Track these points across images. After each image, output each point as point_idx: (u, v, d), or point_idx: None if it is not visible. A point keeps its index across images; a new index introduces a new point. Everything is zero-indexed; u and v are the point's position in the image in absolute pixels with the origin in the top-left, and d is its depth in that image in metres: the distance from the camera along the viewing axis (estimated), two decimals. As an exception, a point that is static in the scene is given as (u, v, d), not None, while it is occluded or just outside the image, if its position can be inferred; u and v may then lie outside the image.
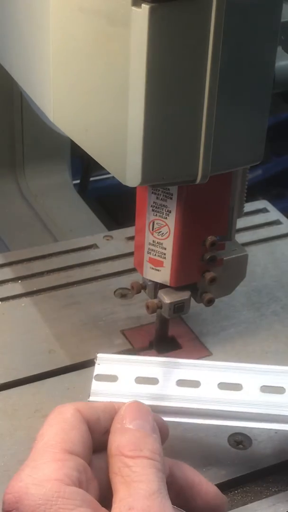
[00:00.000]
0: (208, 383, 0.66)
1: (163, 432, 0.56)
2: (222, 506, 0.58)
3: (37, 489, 0.49)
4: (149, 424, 0.54)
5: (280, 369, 0.68)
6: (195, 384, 0.67)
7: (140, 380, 0.66)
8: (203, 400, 0.65)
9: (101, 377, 0.67)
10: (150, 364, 0.68)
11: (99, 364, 0.67)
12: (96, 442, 0.54)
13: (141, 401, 0.57)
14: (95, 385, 0.66)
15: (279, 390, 0.66)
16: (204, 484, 0.57)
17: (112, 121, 0.60)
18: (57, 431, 0.52)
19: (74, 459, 0.51)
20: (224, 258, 0.73)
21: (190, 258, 0.71)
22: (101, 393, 0.65)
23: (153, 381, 0.67)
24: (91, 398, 0.65)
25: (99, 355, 0.68)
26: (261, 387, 0.66)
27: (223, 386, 0.67)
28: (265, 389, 0.66)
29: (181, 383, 0.66)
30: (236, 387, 0.66)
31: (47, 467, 0.50)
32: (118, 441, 0.52)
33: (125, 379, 0.66)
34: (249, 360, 0.78)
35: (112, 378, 0.66)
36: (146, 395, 0.65)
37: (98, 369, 0.67)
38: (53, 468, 0.50)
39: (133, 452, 0.51)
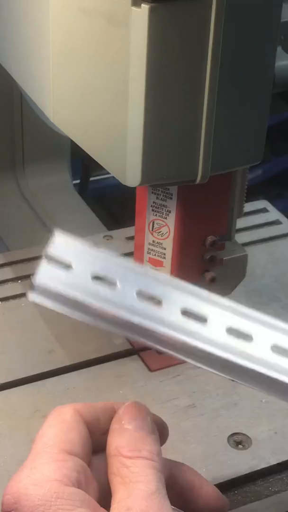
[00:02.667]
0: (171, 304, 0.52)
1: (162, 432, 0.56)
2: (223, 507, 0.58)
3: (36, 489, 0.49)
4: (148, 425, 0.54)
5: None
6: (156, 302, 0.52)
7: (98, 278, 0.53)
8: (166, 322, 0.51)
9: (53, 260, 0.54)
10: (117, 263, 0.53)
11: (53, 243, 0.55)
12: (96, 443, 0.54)
13: (93, 303, 0.50)
14: (44, 269, 0.53)
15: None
16: (205, 485, 0.57)
17: (112, 121, 0.60)
18: (56, 432, 0.52)
19: (73, 459, 0.51)
20: (224, 258, 0.73)
21: (190, 258, 0.71)
22: (48, 279, 0.53)
23: (112, 284, 0.52)
24: (37, 281, 0.53)
25: (56, 234, 0.55)
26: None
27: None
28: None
29: (141, 294, 0.52)
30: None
31: (46, 467, 0.50)
32: (117, 442, 0.52)
33: (80, 272, 0.53)
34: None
35: (65, 265, 0.54)
36: (100, 297, 0.52)
37: (53, 249, 0.54)
38: (52, 468, 0.50)
39: (131, 452, 0.51)
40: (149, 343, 0.51)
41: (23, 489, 0.49)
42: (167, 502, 0.50)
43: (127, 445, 0.52)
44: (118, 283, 0.52)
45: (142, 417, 0.54)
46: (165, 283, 0.53)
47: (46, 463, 0.50)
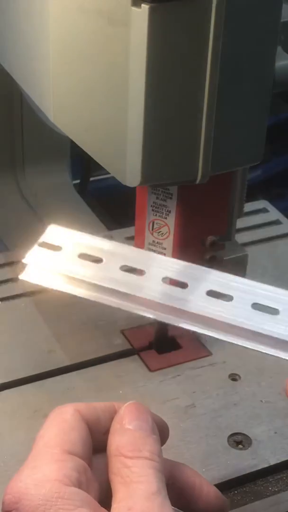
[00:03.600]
0: (154, 276, 0.56)
1: (163, 433, 0.56)
2: (224, 508, 0.58)
3: (37, 489, 0.49)
4: (149, 425, 0.54)
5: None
6: (139, 272, 0.56)
7: (85, 257, 0.57)
8: (147, 289, 0.55)
9: (44, 245, 0.59)
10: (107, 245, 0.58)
11: (46, 233, 0.59)
12: (96, 443, 0.54)
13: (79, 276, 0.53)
14: (35, 251, 0.57)
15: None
16: (205, 486, 0.57)
17: (112, 121, 0.60)
18: (57, 432, 0.52)
19: (74, 459, 0.51)
20: (224, 258, 0.73)
21: (190, 258, 0.71)
22: (38, 259, 0.57)
23: (98, 261, 0.57)
24: (25, 260, 0.57)
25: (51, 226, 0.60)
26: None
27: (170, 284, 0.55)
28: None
29: (126, 268, 0.56)
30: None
31: (47, 467, 0.50)
32: (118, 442, 0.52)
33: (69, 252, 0.57)
34: (249, 360, 0.78)
35: (55, 248, 0.58)
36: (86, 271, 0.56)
37: (45, 236, 0.59)
38: (53, 468, 0.50)
39: (132, 452, 0.51)
40: (126, 304, 0.55)
41: (24, 489, 0.49)
42: (168, 503, 0.50)
43: (128, 445, 0.52)
44: (104, 260, 0.56)
45: (143, 417, 0.54)
46: (148, 257, 0.57)
47: (47, 463, 0.50)
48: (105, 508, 0.50)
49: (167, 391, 0.74)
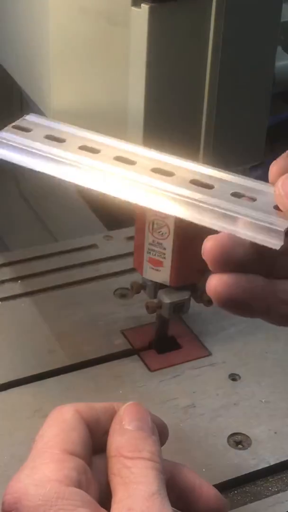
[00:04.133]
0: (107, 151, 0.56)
1: (162, 434, 0.56)
2: (223, 509, 0.58)
3: (37, 489, 0.49)
4: (148, 426, 0.54)
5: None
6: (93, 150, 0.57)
7: (50, 138, 0.58)
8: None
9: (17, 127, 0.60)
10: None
11: (22, 118, 0.60)
12: (96, 443, 0.54)
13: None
14: (6, 130, 0.59)
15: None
16: (205, 487, 0.57)
17: (112, 121, 0.60)
18: (56, 432, 0.52)
19: (74, 460, 0.51)
20: (224, 258, 0.73)
21: (190, 258, 0.71)
22: (8, 136, 0.58)
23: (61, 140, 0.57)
24: None
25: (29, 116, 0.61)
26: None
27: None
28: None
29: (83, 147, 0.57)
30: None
31: (46, 468, 0.50)
32: (117, 442, 0.52)
33: (37, 133, 0.58)
34: (249, 360, 0.78)
35: (26, 130, 0.59)
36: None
37: (19, 121, 0.60)
38: (53, 468, 0.50)
39: (132, 453, 0.51)
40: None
41: (23, 489, 0.49)
42: (167, 503, 0.50)
43: (128, 445, 0.52)
44: (66, 140, 0.57)
45: (143, 417, 0.54)
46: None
47: (47, 463, 0.50)
48: (105, 509, 0.50)
49: (167, 391, 0.74)
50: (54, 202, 1.08)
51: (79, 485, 0.50)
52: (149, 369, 0.77)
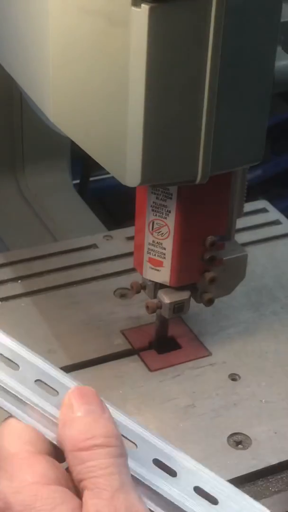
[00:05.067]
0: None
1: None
2: None
3: (16, 496, 0.48)
4: (98, 405, 0.51)
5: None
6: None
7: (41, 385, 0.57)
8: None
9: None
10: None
11: None
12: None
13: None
14: None
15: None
16: None
17: (112, 121, 0.60)
18: (12, 439, 0.51)
19: (44, 457, 0.50)
20: (224, 258, 0.73)
21: (190, 258, 0.71)
22: None
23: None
24: None
25: None
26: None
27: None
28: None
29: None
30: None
31: (21, 473, 0.49)
32: (69, 435, 0.50)
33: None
34: (249, 360, 0.78)
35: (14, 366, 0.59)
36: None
37: None
38: (28, 472, 0.49)
39: (85, 442, 0.49)
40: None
41: (3, 500, 0.49)
42: (133, 493, 0.49)
43: (80, 434, 0.50)
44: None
45: (90, 399, 0.52)
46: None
47: (20, 469, 0.50)
48: None
49: (167, 391, 0.74)
50: (54, 202, 1.08)
51: (58, 481, 0.49)
52: (149, 369, 0.77)
